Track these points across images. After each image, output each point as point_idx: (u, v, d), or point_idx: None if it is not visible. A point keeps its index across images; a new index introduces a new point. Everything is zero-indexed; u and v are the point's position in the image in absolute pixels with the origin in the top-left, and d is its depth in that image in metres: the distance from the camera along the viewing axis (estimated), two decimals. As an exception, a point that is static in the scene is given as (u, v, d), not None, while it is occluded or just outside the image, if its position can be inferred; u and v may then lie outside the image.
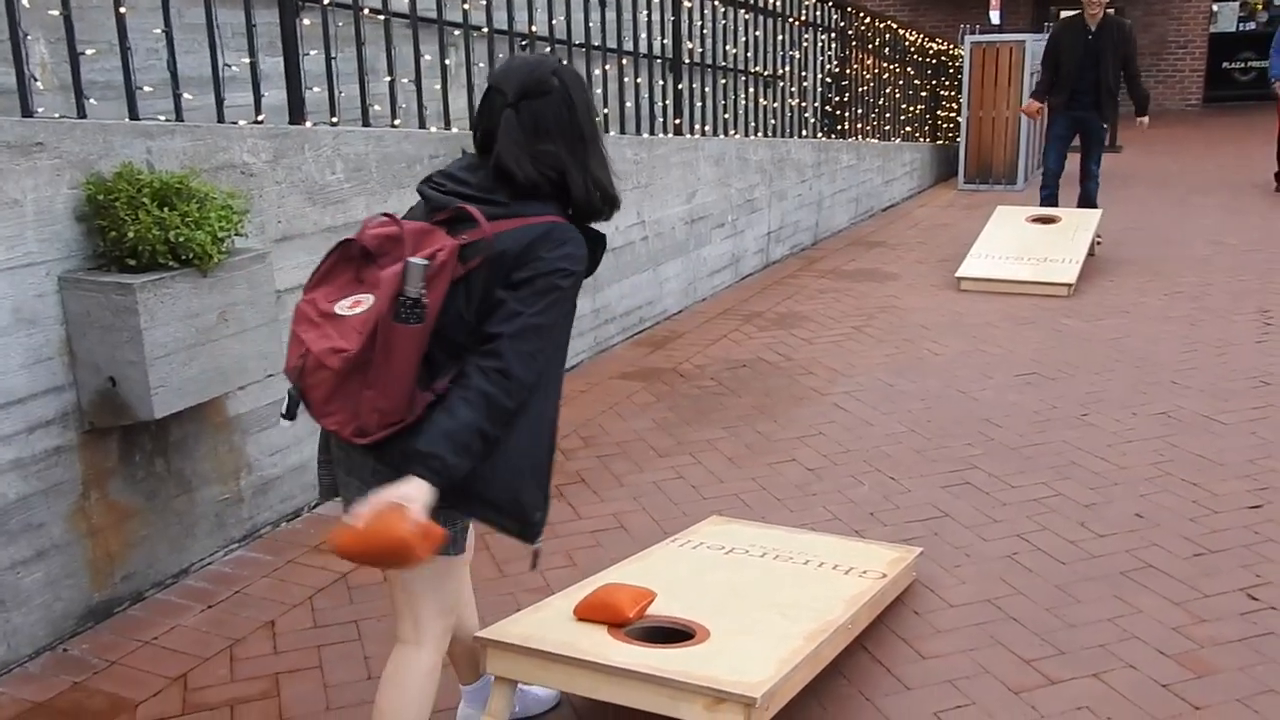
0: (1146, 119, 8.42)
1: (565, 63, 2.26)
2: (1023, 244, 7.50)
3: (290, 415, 2.17)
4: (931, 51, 12.45)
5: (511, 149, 2.12)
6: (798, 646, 2.55)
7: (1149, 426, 4.68)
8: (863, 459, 4.41)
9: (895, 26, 11.21)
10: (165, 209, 3.08)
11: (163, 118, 3.67)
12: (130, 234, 3.04)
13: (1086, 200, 8.24)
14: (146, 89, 3.74)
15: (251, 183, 3.65)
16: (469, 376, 2.04)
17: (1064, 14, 8.60)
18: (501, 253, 2.06)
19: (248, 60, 3.93)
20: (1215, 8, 19.15)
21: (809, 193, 8.60)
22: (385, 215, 2.16)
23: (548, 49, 5.55)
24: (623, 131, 6.18)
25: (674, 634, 2.62)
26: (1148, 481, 4.13)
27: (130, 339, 3.02)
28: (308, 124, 4.09)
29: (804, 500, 4.05)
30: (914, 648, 3.05)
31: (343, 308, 2.07)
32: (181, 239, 3.07)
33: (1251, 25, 20.03)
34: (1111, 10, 8.26)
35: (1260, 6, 20.30)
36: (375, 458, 2.09)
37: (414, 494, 1.95)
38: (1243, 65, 19.62)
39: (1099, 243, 7.84)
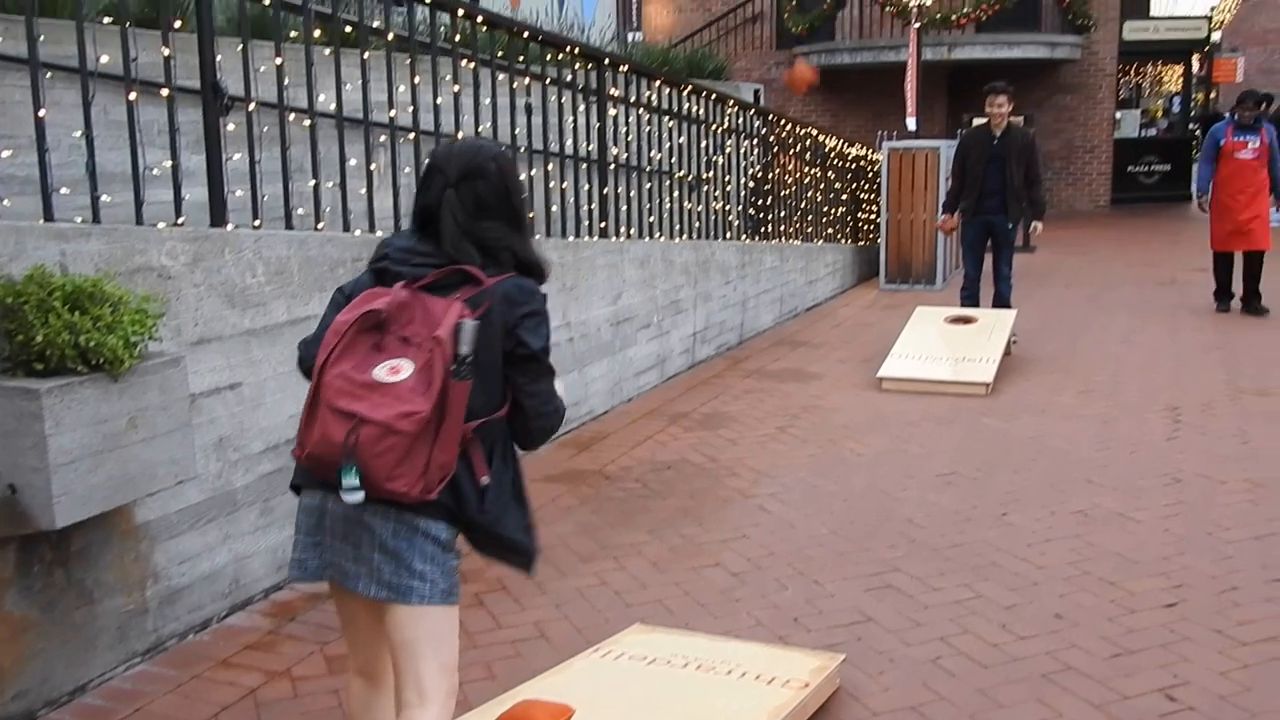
0: (1040, 225, 8.77)
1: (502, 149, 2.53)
2: (942, 344, 7.68)
3: (360, 486, 2.18)
4: (851, 156, 12.85)
5: (453, 230, 2.33)
6: (719, 761, 2.51)
7: (1066, 525, 4.75)
8: (787, 562, 4.40)
9: (815, 133, 11.57)
10: (77, 313, 3.03)
11: (79, 219, 3.62)
12: (39, 338, 2.97)
13: (1000, 301, 8.48)
14: (64, 191, 3.69)
15: (169, 285, 3.60)
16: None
17: (974, 121, 8.96)
18: (498, 308, 2.28)
19: (169, 163, 3.91)
20: (1119, 115, 20.13)
21: (734, 294, 8.73)
22: (381, 289, 2.30)
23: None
24: (548, 234, 6.25)
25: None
26: (1066, 581, 4.18)
27: (34, 445, 2.93)
28: (229, 226, 4.06)
29: (728, 605, 4.02)
30: (838, 757, 3.02)
31: (382, 375, 2.18)
32: (92, 343, 3.01)
33: (1153, 131, 21.08)
34: (1018, 119, 8.65)
35: (1159, 114, 21.39)
36: (391, 517, 2.24)
37: None
38: (1146, 169, 20.59)
39: (1014, 341, 8.05)
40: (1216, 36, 21.75)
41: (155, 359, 3.26)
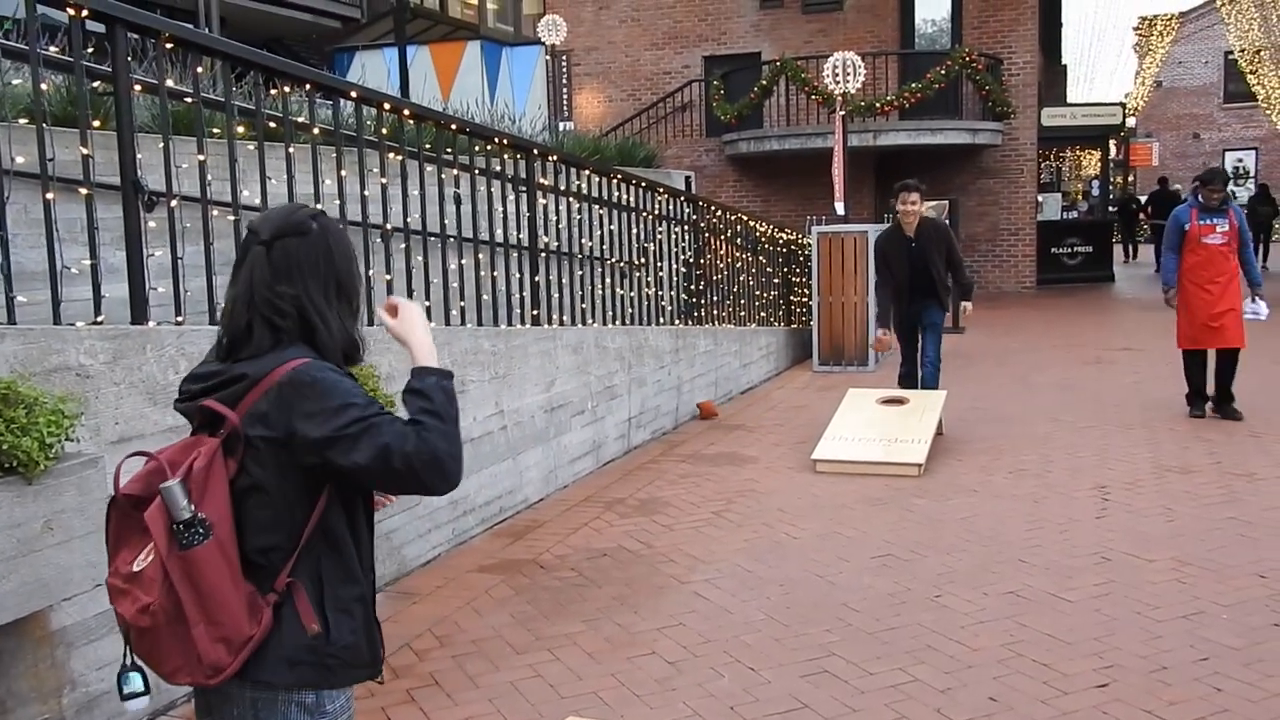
0: (970, 305, 8.87)
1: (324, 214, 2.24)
2: (874, 425, 7.76)
3: (145, 689, 2.07)
4: (782, 241, 13.09)
5: (245, 296, 2.08)
6: None
7: (999, 606, 4.78)
8: (723, 649, 4.37)
9: (746, 218, 11.78)
10: (-11, 416, 2.96)
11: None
12: (-51, 443, 2.90)
13: (926, 386, 8.54)
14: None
15: (87, 384, 3.54)
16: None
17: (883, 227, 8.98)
18: (258, 431, 2.00)
19: (88, 262, 3.87)
20: (1041, 198, 20.81)
21: (668, 378, 8.78)
22: (141, 453, 2.12)
23: (403, 241, 5.64)
24: (480, 323, 6.25)
25: None
26: (1000, 663, 4.19)
27: (-59, 555, 2.84)
28: (151, 323, 4.02)
29: (664, 695, 3.97)
30: None
31: (139, 563, 2.00)
32: (5, 446, 2.94)
33: (1074, 214, 21.82)
34: (936, 205, 8.79)
35: (1080, 197, 22.16)
36: (248, 686, 2.03)
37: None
38: (1069, 250, 21.27)
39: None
40: (1131, 122, 22.71)
41: (72, 459, 3.19)
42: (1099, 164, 22.20)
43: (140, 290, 4.03)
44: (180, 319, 4.21)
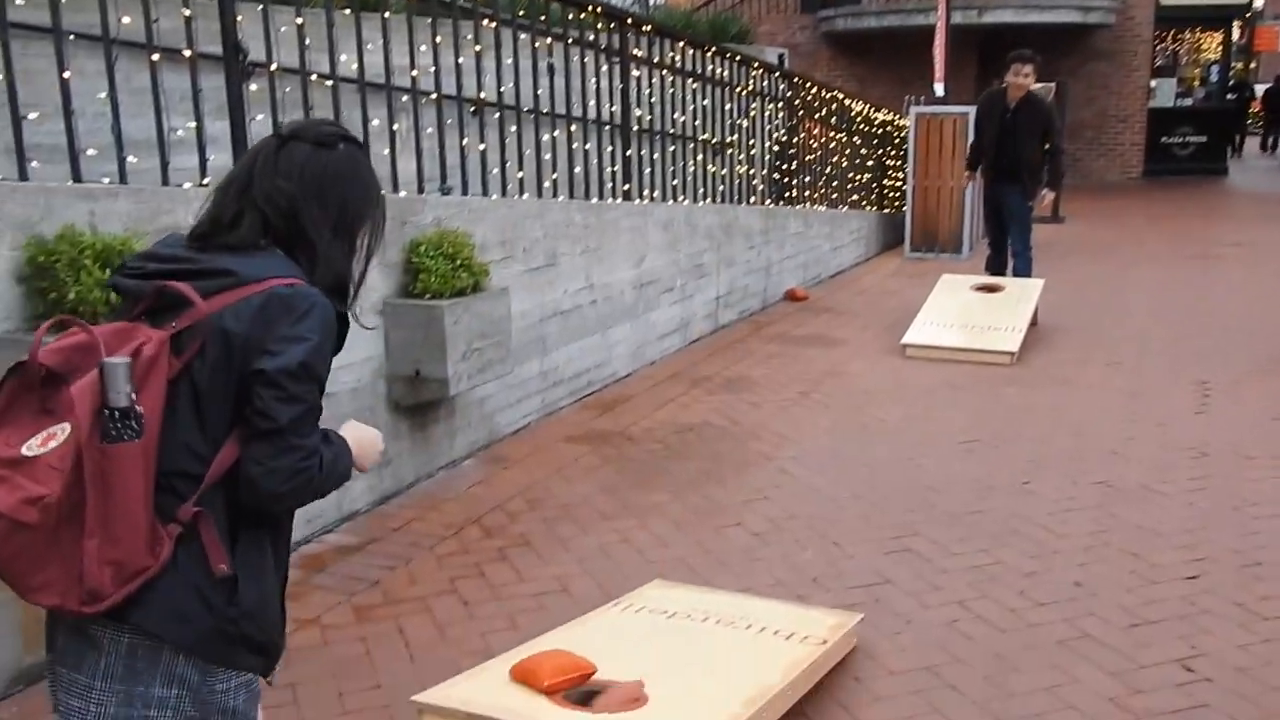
0: (1049, 193, 8.53)
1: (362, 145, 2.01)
2: (967, 312, 7.64)
3: None
4: (877, 121, 12.75)
5: (243, 180, 1.83)
6: (736, 712, 2.55)
7: (1088, 495, 4.74)
8: (807, 524, 4.43)
9: (842, 97, 11.47)
10: (107, 270, 3.06)
11: (107, 180, 3.66)
12: (71, 295, 3.02)
13: (1017, 275, 8.34)
14: (91, 152, 3.73)
15: (196, 244, 3.63)
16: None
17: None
18: (225, 333, 1.71)
19: (193, 125, 3.94)
20: (1154, 84, 19.82)
21: (757, 259, 8.71)
22: (66, 319, 1.80)
23: (497, 114, 5.62)
24: (572, 196, 6.25)
25: (613, 698, 2.60)
26: (1087, 551, 4.18)
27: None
28: (255, 186, 4.09)
29: (748, 565, 4.05)
30: (853, 714, 3.05)
31: (31, 447, 1.64)
32: (121, 300, 3.05)
33: (1189, 101, 20.77)
34: (1044, 86, 8.42)
35: (1197, 83, 21.06)
36: (126, 631, 1.70)
37: None
38: (1181, 140, 20.30)
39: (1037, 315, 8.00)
40: (1259, 3, 21.37)
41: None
42: (1219, 48, 21.02)
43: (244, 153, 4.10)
44: (282, 183, 4.27)
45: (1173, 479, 4.93)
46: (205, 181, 3.92)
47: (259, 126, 4.30)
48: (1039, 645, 3.45)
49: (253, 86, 4.27)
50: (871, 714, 3.06)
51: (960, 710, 3.07)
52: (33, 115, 3.73)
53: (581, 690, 2.65)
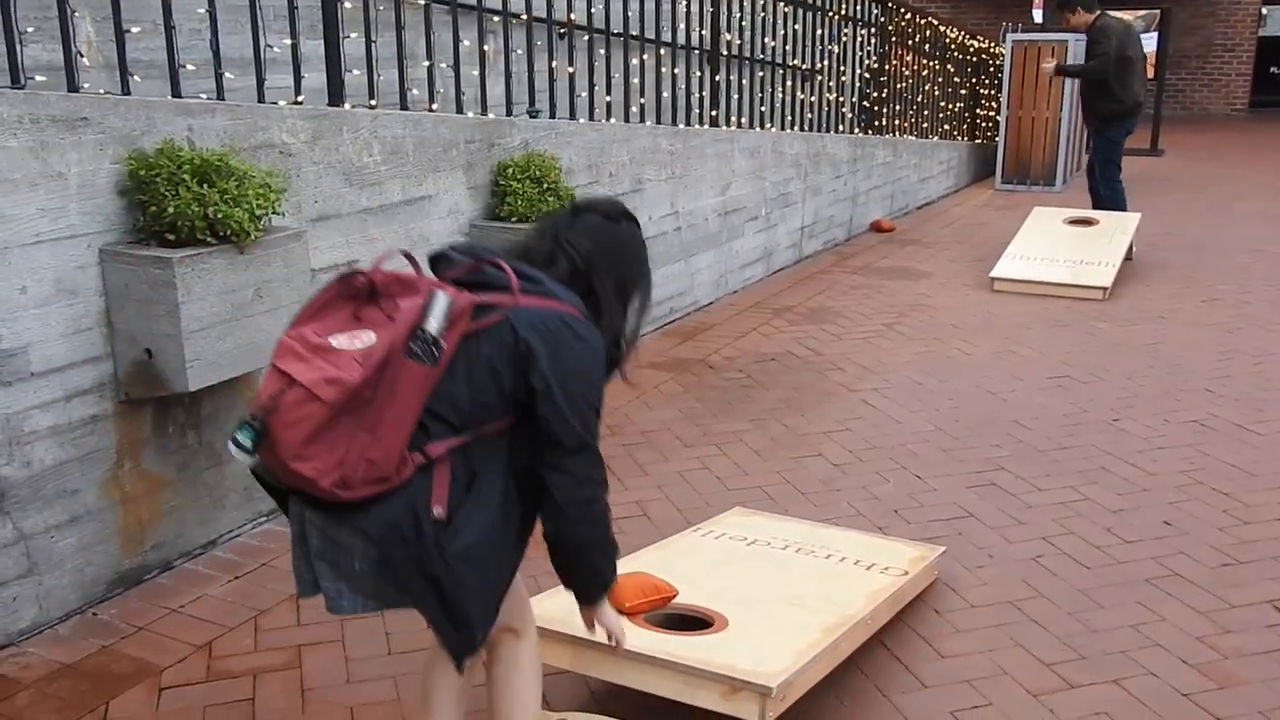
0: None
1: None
2: (1059, 246, 7.44)
3: (251, 449, 1.81)
4: (972, 49, 12.35)
5: (550, 232, 2.13)
6: (815, 639, 2.56)
7: (1181, 434, 4.63)
8: (889, 456, 4.40)
9: (935, 23, 11.13)
10: (205, 186, 3.13)
11: (204, 96, 3.71)
12: (170, 209, 3.08)
13: (1099, 204, 8.27)
14: (189, 67, 3.78)
15: (289, 162, 3.69)
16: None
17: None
18: (517, 328, 1.93)
19: (289, 42, 3.96)
20: (1264, 11, 18.85)
21: (844, 188, 8.57)
22: (402, 253, 2.04)
23: (586, 37, 5.56)
24: (658, 121, 6.18)
25: (693, 622, 2.64)
26: (1177, 489, 4.09)
27: (167, 313, 3.07)
28: (346, 106, 4.12)
29: (828, 495, 4.05)
30: (933, 646, 3.05)
31: (338, 341, 1.85)
32: (220, 215, 3.11)
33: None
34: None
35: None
36: (359, 525, 1.88)
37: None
38: (1290, 71, 19.36)
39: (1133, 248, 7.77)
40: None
41: (279, 233, 3.36)
42: (1341, -28, 19.88)
43: (336, 74, 4.13)
44: (373, 103, 4.30)
45: (1269, 419, 4.79)
46: (299, 99, 3.96)
47: (352, 45, 4.32)
48: (1125, 583, 3.40)
49: (346, 5, 4.28)
50: (952, 646, 3.05)
51: (1043, 645, 3.06)
52: (134, 29, 3.78)
53: (663, 613, 2.68)
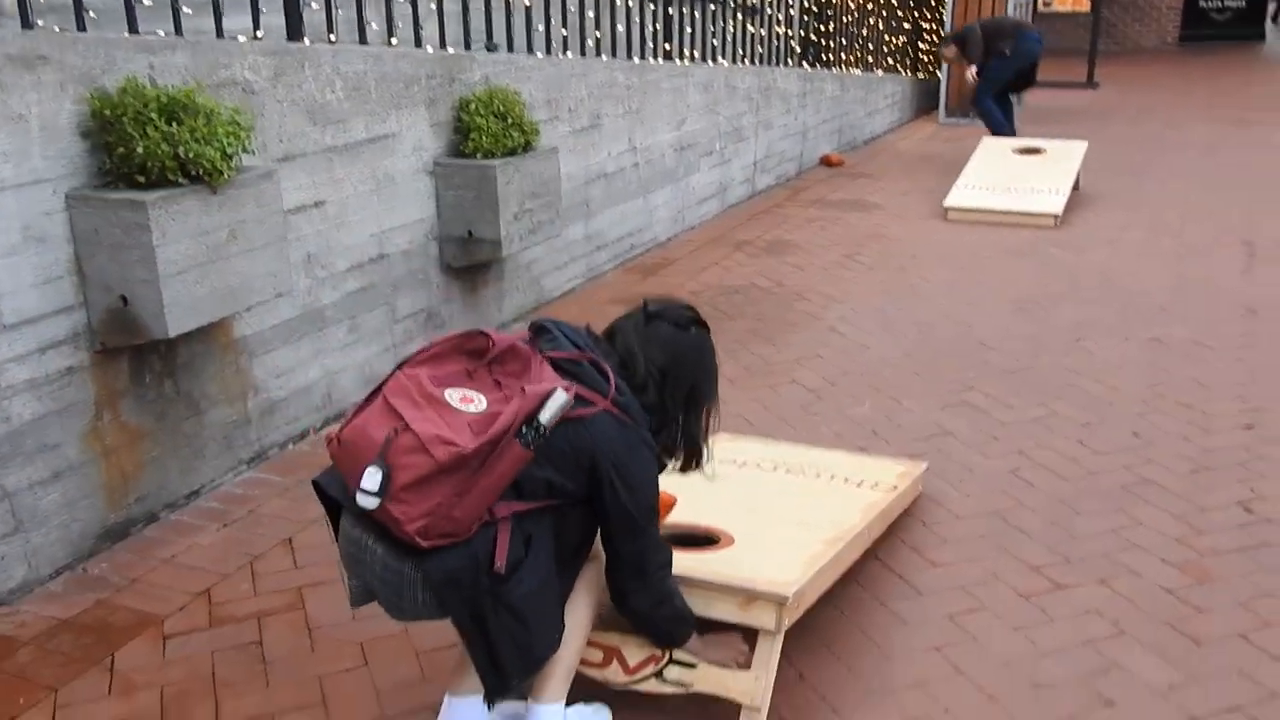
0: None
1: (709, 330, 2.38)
2: (1009, 175, 7.54)
3: (378, 492, 1.93)
4: (913, -18, 12.36)
5: (632, 343, 2.22)
6: (820, 551, 2.61)
7: (1140, 352, 4.76)
8: (862, 380, 4.46)
9: (877, -44, 11.10)
10: (173, 124, 3.04)
11: (161, 32, 3.59)
12: (139, 150, 3.00)
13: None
14: (146, 2, 3.65)
15: (253, 101, 3.60)
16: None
17: None
18: (592, 430, 2.07)
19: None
20: (1192, -57, 19.13)
21: (794, 123, 8.57)
22: (543, 332, 2.20)
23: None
24: (614, 54, 6.12)
25: (699, 540, 2.67)
26: (1142, 403, 4.21)
27: (142, 257, 2.99)
28: (306, 41, 4.03)
29: (807, 420, 4.10)
30: (924, 556, 3.12)
31: (452, 398, 2.01)
32: (191, 155, 3.03)
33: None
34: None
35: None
36: (422, 569, 2.01)
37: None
38: (1219, 5, 19.65)
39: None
40: None
41: (250, 172, 3.29)
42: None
43: (295, 10, 4.03)
44: (333, 37, 4.21)
45: (1223, 335, 4.93)
46: (259, 35, 3.85)
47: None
48: (1101, 491, 3.50)
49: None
50: (942, 555, 3.13)
51: (1028, 551, 3.14)
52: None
53: (668, 533, 2.70)
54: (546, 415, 1.99)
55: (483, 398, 2.02)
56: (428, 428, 1.93)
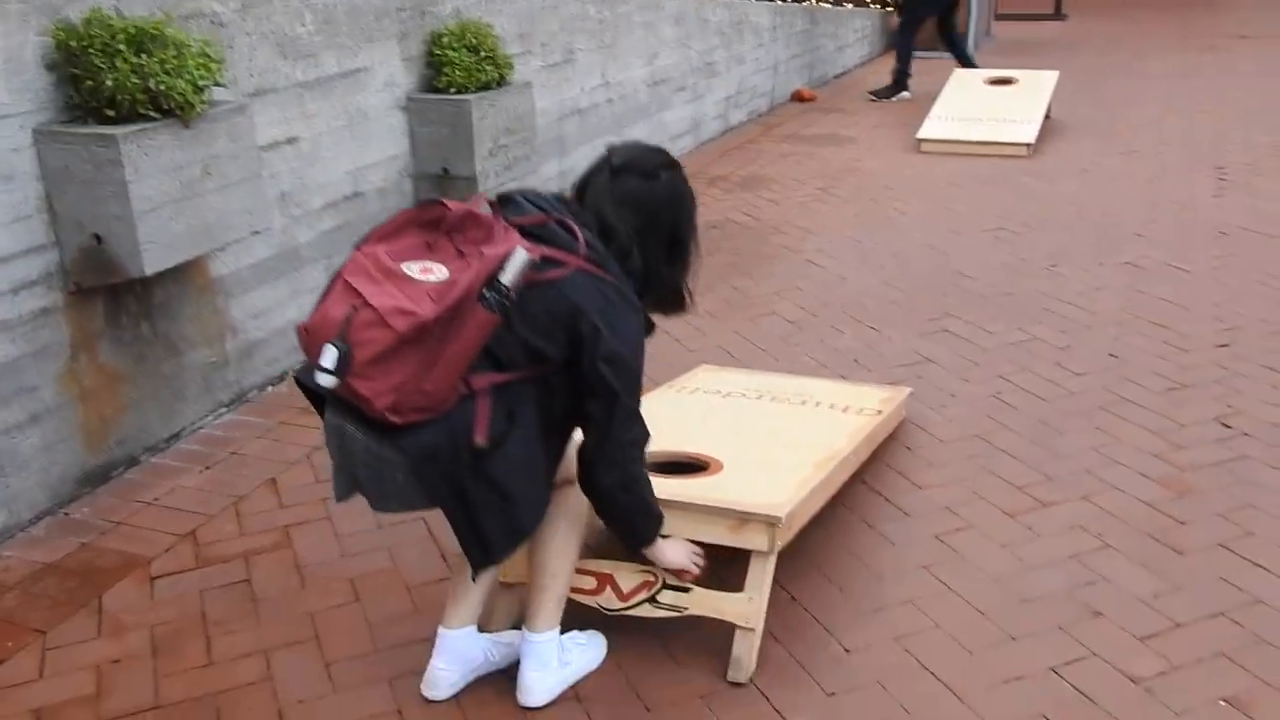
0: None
1: (681, 168, 2.28)
2: (981, 106, 7.52)
3: (335, 370, 1.89)
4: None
5: (604, 202, 2.14)
6: (809, 474, 2.62)
7: (1115, 275, 4.79)
8: (841, 310, 4.47)
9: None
10: (143, 56, 2.96)
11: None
12: (108, 82, 2.92)
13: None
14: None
15: (222, 33, 3.51)
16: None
17: None
18: (566, 290, 2.01)
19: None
20: None
21: (766, 57, 8.49)
22: (481, 196, 2.11)
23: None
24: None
25: (688, 467, 2.68)
26: (1118, 325, 4.24)
27: (115, 193, 2.93)
28: (272, -26, 3.92)
29: (788, 350, 4.11)
30: (910, 479, 3.15)
31: (412, 270, 1.94)
32: (162, 88, 2.96)
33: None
34: None
35: None
36: (400, 445, 1.96)
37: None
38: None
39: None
40: None
41: (222, 106, 3.22)
42: None
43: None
44: (300, -30, 4.10)
45: (1196, 258, 4.97)
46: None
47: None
48: (1081, 411, 3.54)
49: None
50: (927, 478, 3.16)
51: (1013, 470, 3.18)
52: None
53: (658, 460, 2.70)
54: (508, 276, 1.93)
55: (443, 267, 1.95)
56: (386, 301, 1.88)
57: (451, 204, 2.02)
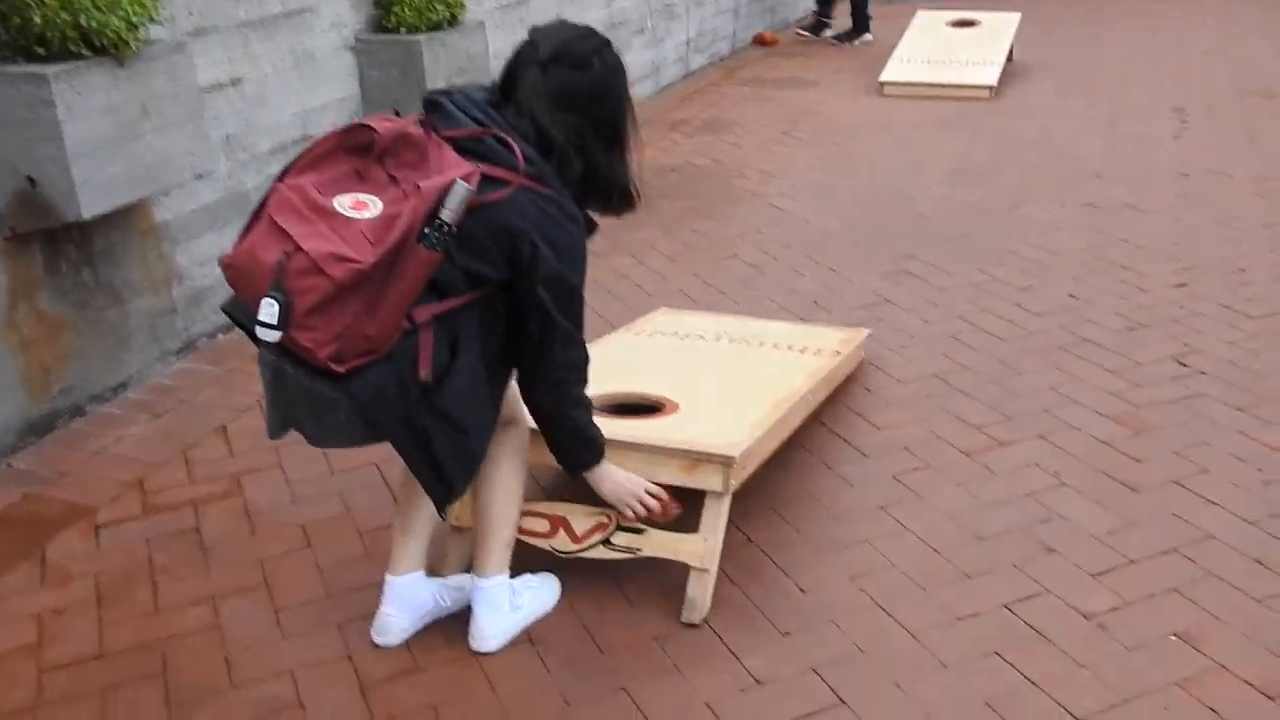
0: None
1: (612, 46, 2.14)
2: (944, 48, 7.45)
3: (278, 325, 1.78)
4: None
5: (537, 104, 2.01)
6: (766, 414, 2.60)
7: (1076, 216, 4.77)
8: (803, 253, 4.43)
9: None
10: (72, -8, 2.85)
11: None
12: (36, 19, 2.81)
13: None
14: None
15: (158, -31, 3.38)
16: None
17: None
18: (505, 211, 1.92)
19: None
20: None
21: (726, 0, 8.36)
22: (396, 113, 2.00)
23: None
24: (539, -72, 5.88)
25: (644, 409, 2.64)
26: (1079, 265, 4.24)
27: (48, 134, 2.84)
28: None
29: (749, 293, 4.07)
30: (868, 420, 3.14)
31: (343, 205, 1.82)
32: (94, 24, 2.85)
33: None
34: None
35: None
36: (345, 388, 1.86)
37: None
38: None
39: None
40: None
41: (159, 45, 3.11)
42: None
43: None
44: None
45: (1157, 198, 4.97)
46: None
47: None
48: (1040, 350, 3.54)
49: None
50: (886, 418, 3.15)
51: (970, 410, 3.17)
52: None
53: (614, 402, 2.67)
54: (449, 213, 1.83)
55: (377, 200, 1.84)
56: (320, 245, 1.77)
57: (380, 125, 1.90)
